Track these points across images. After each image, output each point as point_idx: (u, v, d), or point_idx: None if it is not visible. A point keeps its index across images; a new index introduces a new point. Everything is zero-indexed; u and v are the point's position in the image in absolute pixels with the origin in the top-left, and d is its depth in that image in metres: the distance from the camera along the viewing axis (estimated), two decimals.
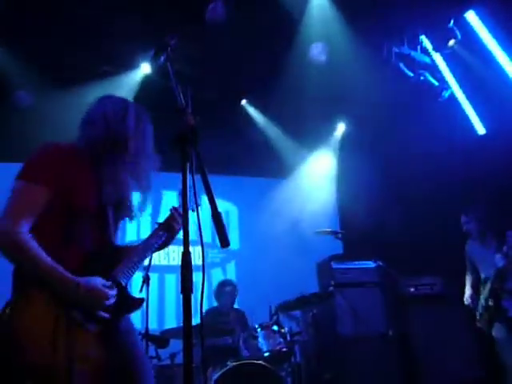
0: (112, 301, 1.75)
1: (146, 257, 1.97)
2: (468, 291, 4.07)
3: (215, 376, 3.62)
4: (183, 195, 1.40)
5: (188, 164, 1.41)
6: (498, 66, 4.75)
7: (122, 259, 1.88)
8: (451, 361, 4.57)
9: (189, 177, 1.43)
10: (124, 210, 1.97)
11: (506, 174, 4.81)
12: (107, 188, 1.83)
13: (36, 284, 1.63)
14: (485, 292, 3.80)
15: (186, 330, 1.25)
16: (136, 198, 2.00)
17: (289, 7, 4.62)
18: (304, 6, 4.80)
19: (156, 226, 2.07)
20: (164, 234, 2.04)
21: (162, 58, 1.72)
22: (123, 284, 1.84)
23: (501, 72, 4.73)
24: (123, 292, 1.83)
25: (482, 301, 3.83)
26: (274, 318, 4.16)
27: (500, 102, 4.89)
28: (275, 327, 4.07)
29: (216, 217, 1.39)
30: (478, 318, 3.90)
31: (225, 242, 1.39)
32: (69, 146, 1.86)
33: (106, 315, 1.73)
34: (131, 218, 2.01)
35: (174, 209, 2.10)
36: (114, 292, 1.77)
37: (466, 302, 4.04)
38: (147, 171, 1.96)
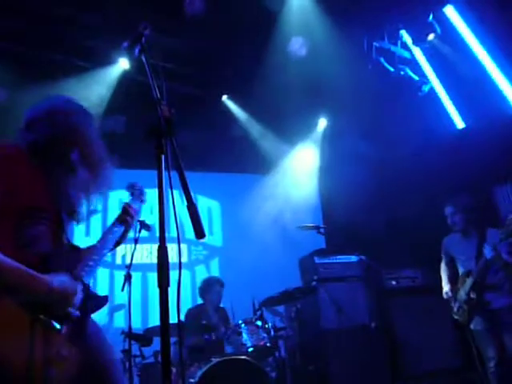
0: (80, 296, 1.72)
1: (105, 254, 1.95)
2: (447, 286, 4.03)
3: (200, 372, 3.59)
4: (159, 188, 1.37)
5: (163, 156, 1.38)
6: (476, 59, 4.81)
7: (81, 258, 1.84)
8: (433, 351, 4.65)
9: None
10: (72, 215, 1.94)
11: (484, 167, 4.88)
12: (56, 195, 1.80)
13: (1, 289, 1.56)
14: (466, 285, 3.79)
15: (163, 325, 1.23)
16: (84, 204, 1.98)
17: (268, 1, 4.60)
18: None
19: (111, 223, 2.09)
20: (120, 227, 2.07)
21: (137, 50, 1.68)
22: (87, 283, 1.81)
23: (479, 66, 4.79)
24: (87, 291, 1.79)
25: (461, 294, 3.83)
26: (258, 313, 4.16)
27: (478, 95, 4.95)
28: (259, 322, 4.07)
29: (191, 208, 1.37)
30: (455, 310, 3.87)
31: (200, 233, 1.37)
32: (15, 146, 1.80)
33: (76, 313, 1.69)
34: (78, 222, 1.99)
35: (126, 204, 2.14)
36: (80, 287, 1.73)
37: (445, 296, 4.00)
38: (99, 179, 1.94)
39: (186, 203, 1.38)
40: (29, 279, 1.58)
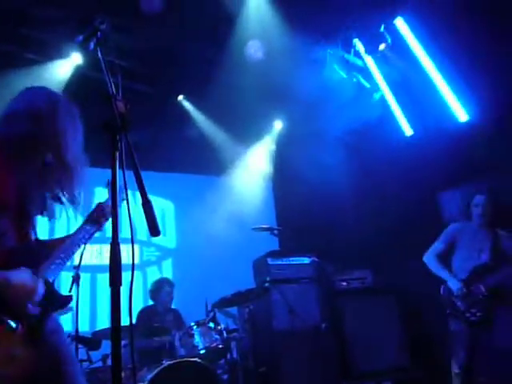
0: (41, 293, 1.66)
1: (73, 252, 1.89)
2: (458, 281, 3.75)
3: (150, 375, 3.53)
4: (112, 185, 1.34)
5: (117, 153, 1.35)
6: (424, 70, 5.02)
7: (48, 255, 1.79)
8: (381, 350, 4.80)
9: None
10: (42, 210, 1.88)
11: (431, 173, 5.08)
12: (22, 191, 1.73)
13: None
14: (487, 278, 3.66)
15: (114, 324, 1.20)
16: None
17: (226, 4, 4.61)
18: (241, 3, 4.81)
19: (83, 221, 2.02)
20: (92, 227, 1.99)
21: (92, 44, 1.64)
22: (50, 281, 1.75)
23: (426, 76, 5.01)
24: (50, 289, 1.74)
25: (479, 288, 3.68)
26: (211, 314, 4.14)
27: (425, 104, 5.17)
28: (211, 324, 4.05)
29: (146, 205, 1.34)
30: (463, 308, 3.69)
31: (154, 230, 1.33)
32: None
33: (35, 310, 1.64)
34: (49, 218, 1.92)
35: (100, 204, 2.06)
36: (41, 284, 1.68)
37: (459, 293, 3.71)
38: (73, 182, 1.86)
39: (141, 200, 1.35)
40: None
